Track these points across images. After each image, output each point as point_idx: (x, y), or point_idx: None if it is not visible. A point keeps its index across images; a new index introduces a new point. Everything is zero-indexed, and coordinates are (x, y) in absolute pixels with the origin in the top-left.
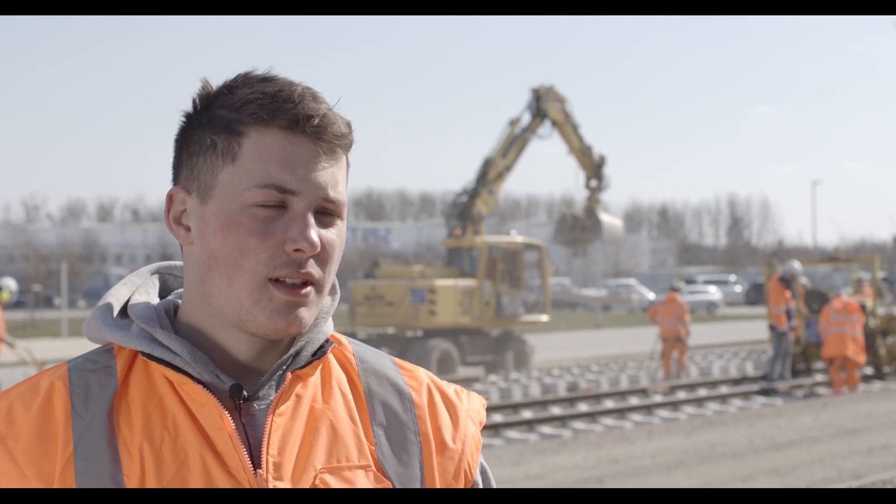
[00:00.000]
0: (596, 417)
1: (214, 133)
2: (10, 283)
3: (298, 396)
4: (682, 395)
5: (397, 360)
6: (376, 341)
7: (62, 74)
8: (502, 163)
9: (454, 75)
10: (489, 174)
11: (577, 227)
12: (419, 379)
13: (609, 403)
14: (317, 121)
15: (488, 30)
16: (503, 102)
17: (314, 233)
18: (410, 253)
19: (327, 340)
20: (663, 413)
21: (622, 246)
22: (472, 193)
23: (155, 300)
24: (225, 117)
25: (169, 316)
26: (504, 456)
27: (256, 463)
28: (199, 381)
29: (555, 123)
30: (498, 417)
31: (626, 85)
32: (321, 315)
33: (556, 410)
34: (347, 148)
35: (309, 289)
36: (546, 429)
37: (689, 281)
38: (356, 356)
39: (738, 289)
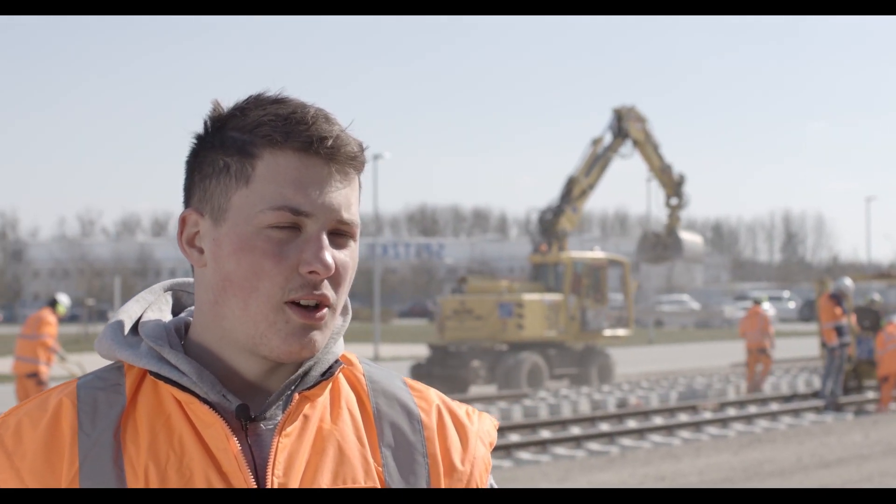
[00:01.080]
0: (644, 434)
1: (227, 155)
2: (64, 299)
3: (306, 417)
4: (731, 412)
5: (409, 380)
6: (466, 354)
7: (119, 90)
8: (585, 181)
9: (509, 90)
10: (573, 192)
11: (659, 244)
12: (429, 400)
13: (658, 420)
14: (330, 142)
15: (543, 46)
16: (558, 118)
17: (329, 255)
18: (463, 268)
19: (337, 361)
20: (712, 430)
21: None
22: (557, 211)
23: (167, 317)
24: (238, 139)
25: (180, 334)
26: (550, 472)
27: (261, 484)
28: (205, 401)
29: (636, 143)
30: (546, 433)
31: (679, 102)
32: (332, 335)
33: (604, 427)
34: (360, 169)
35: (324, 311)
36: (594, 445)
37: (742, 297)
38: (366, 376)
39: (792, 305)
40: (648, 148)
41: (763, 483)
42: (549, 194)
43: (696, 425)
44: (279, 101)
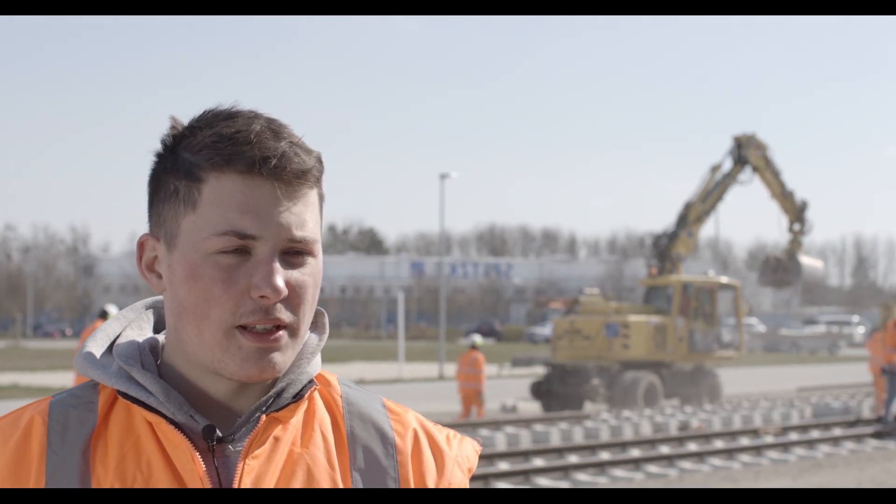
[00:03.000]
0: (704, 458)
1: (177, 179)
2: (114, 309)
3: (276, 439)
4: (793, 436)
5: (389, 403)
6: (584, 373)
7: (192, 103)
8: (702, 207)
9: (583, 112)
10: (689, 217)
11: (780, 269)
12: (406, 424)
13: (719, 444)
14: (274, 161)
15: (619, 71)
16: (633, 141)
17: (279, 278)
18: (532, 289)
19: (310, 381)
20: (773, 454)
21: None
22: (672, 235)
23: (147, 335)
24: (187, 161)
25: (156, 353)
26: None
27: None
28: (172, 422)
29: (756, 169)
30: (605, 455)
31: (748, 124)
32: (305, 355)
33: (664, 450)
34: (314, 183)
35: (280, 333)
36: (653, 468)
37: (811, 322)
38: (344, 398)
39: (861, 330)
40: (768, 174)
41: None
42: (620, 217)
43: (757, 449)
44: (230, 118)
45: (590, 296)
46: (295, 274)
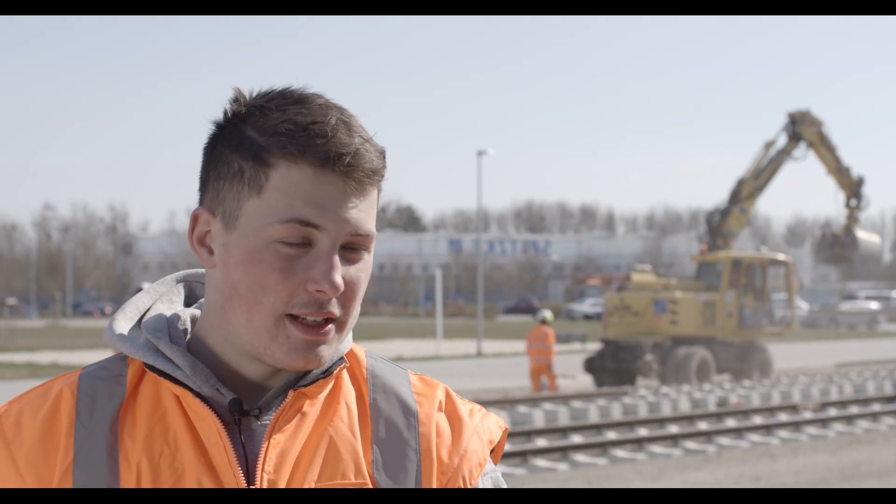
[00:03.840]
0: (742, 433)
1: (242, 159)
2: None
3: (303, 414)
4: (832, 412)
5: (415, 377)
6: (637, 348)
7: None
8: (755, 183)
9: (622, 91)
10: (742, 193)
11: (837, 244)
12: (429, 396)
13: (757, 419)
14: (348, 159)
15: (656, 49)
16: (671, 120)
17: (338, 275)
18: (570, 265)
19: (341, 359)
20: (811, 430)
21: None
22: (725, 212)
23: (178, 308)
24: (255, 143)
25: (185, 327)
26: (645, 471)
27: (251, 480)
28: (198, 395)
29: (811, 145)
30: (643, 431)
31: (789, 100)
32: None
33: (702, 426)
34: (379, 182)
35: (329, 327)
36: (691, 444)
37: (850, 297)
38: (369, 370)
39: None
40: (823, 150)
41: (859, 484)
42: (658, 193)
43: (796, 425)
44: (300, 103)
45: (641, 272)
46: (351, 270)
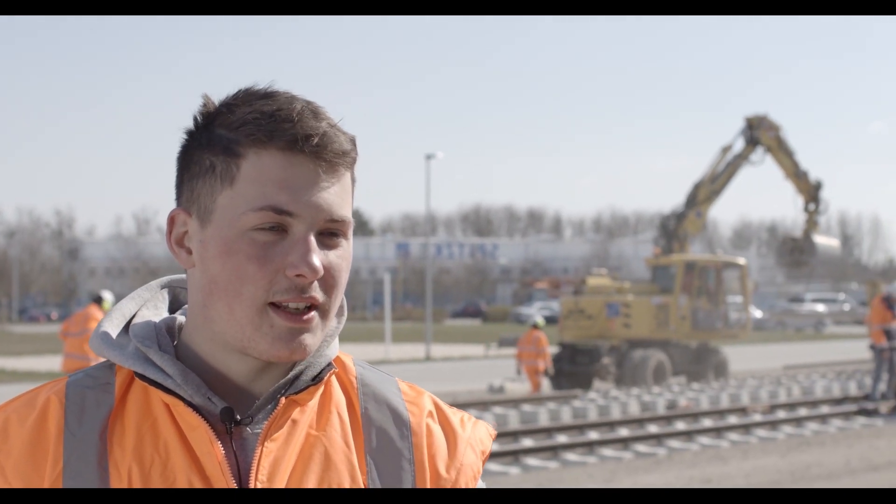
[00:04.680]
0: (692, 436)
1: (213, 154)
2: (109, 295)
3: (294, 422)
4: (781, 414)
5: (404, 383)
6: (592, 352)
7: (176, 86)
8: (711, 187)
9: (568, 92)
10: (698, 197)
11: (796, 249)
12: (420, 405)
13: (707, 422)
14: (316, 140)
15: (602, 48)
16: (617, 120)
17: (316, 257)
18: (518, 269)
19: (329, 364)
20: (761, 432)
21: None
22: (681, 216)
23: (163, 315)
24: (224, 137)
25: (172, 334)
26: (596, 474)
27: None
28: (189, 404)
29: (769, 150)
30: (594, 435)
31: (736, 104)
32: (326, 338)
33: (652, 428)
34: (351, 165)
35: (312, 314)
36: (641, 447)
37: (797, 299)
38: (358, 379)
39: (847, 307)
40: (781, 155)
41: (810, 486)
42: (605, 196)
43: (746, 427)
44: (267, 97)
45: (597, 275)
46: (331, 255)
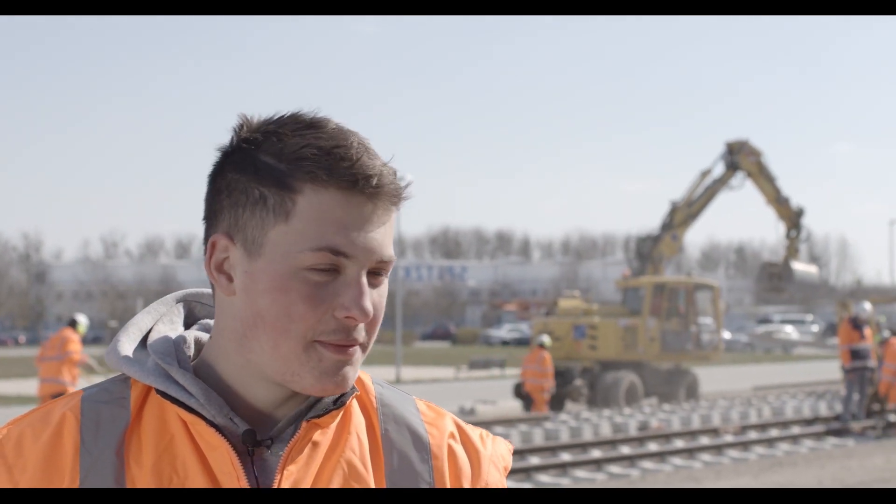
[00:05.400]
0: (665, 457)
1: (264, 186)
2: (83, 319)
3: (315, 444)
4: (753, 435)
5: (423, 403)
6: (565, 374)
7: (143, 112)
8: (688, 210)
9: (534, 114)
10: (674, 220)
11: (775, 276)
12: (440, 427)
13: (679, 443)
14: (375, 181)
15: (568, 70)
16: (583, 140)
17: (368, 301)
18: (486, 291)
19: (351, 388)
20: (733, 453)
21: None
22: (656, 238)
23: (179, 330)
24: (275, 169)
25: (189, 349)
26: None
27: None
28: (211, 424)
29: (749, 175)
30: (566, 456)
31: (697, 126)
32: None
33: (625, 450)
34: (399, 203)
35: (356, 348)
36: (614, 468)
37: (765, 321)
38: (378, 399)
39: (815, 328)
40: (762, 180)
41: None
42: (573, 218)
43: (718, 448)
44: (315, 127)
45: (569, 297)
46: (374, 295)
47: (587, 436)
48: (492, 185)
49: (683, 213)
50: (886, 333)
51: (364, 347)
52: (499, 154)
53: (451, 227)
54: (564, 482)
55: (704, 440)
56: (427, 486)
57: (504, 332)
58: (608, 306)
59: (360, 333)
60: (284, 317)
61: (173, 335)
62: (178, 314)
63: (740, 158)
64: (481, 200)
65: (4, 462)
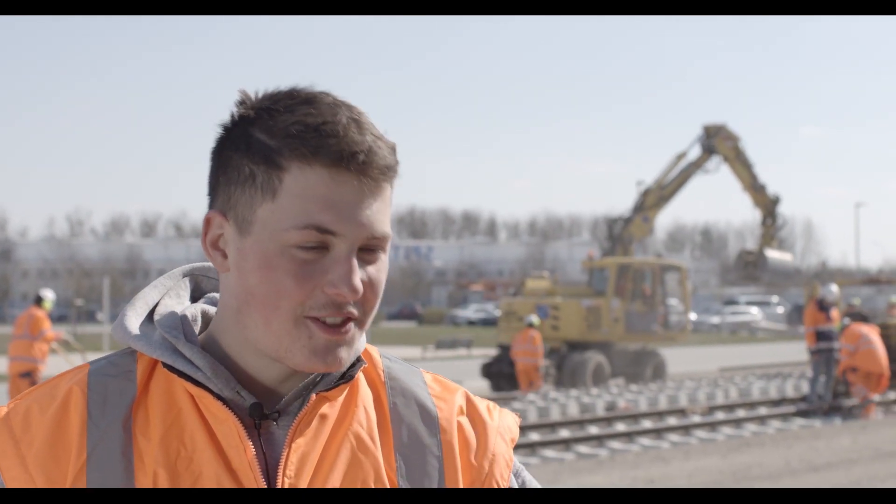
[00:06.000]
0: (633, 437)
1: (254, 163)
2: (50, 294)
3: (323, 416)
4: (720, 415)
5: (430, 376)
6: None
7: (110, 92)
8: (660, 192)
9: (500, 93)
10: (646, 202)
11: (750, 263)
12: (448, 399)
13: (647, 423)
14: (362, 157)
15: (534, 49)
16: (549, 120)
17: (357, 279)
18: (453, 271)
19: (358, 360)
20: (701, 434)
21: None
22: (627, 220)
23: (186, 304)
24: (265, 146)
25: (196, 324)
26: (540, 475)
27: (272, 483)
28: (218, 397)
29: (726, 160)
30: (535, 436)
31: (663, 106)
32: None
33: (593, 430)
34: (393, 179)
35: (349, 325)
36: (583, 448)
37: (731, 302)
38: (386, 373)
39: (781, 310)
40: (739, 166)
41: (751, 486)
42: (540, 199)
43: (685, 429)
44: (309, 103)
45: (538, 277)
46: (369, 270)
47: (555, 416)
48: (458, 165)
49: (655, 196)
50: (846, 321)
51: (360, 323)
52: (465, 134)
53: (417, 207)
54: (533, 461)
55: (672, 420)
56: (436, 459)
57: (470, 312)
58: (574, 287)
59: (353, 308)
60: (273, 294)
61: (180, 309)
62: (185, 288)
63: (717, 142)
64: (447, 180)
65: (12, 437)
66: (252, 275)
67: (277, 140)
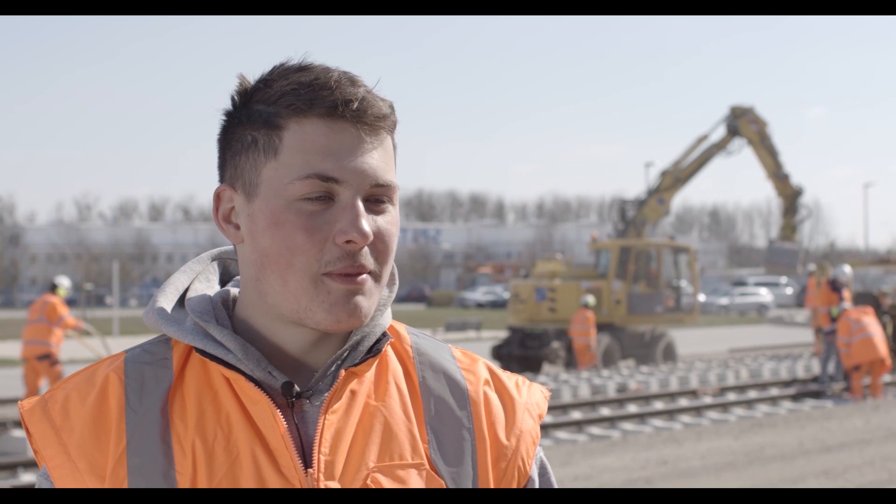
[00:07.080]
0: (645, 419)
1: (254, 129)
2: (65, 281)
3: (353, 392)
4: (731, 396)
5: (458, 350)
6: (542, 336)
7: (117, 76)
8: (677, 174)
9: (508, 77)
10: (662, 183)
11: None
12: (477, 372)
13: (658, 405)
14: (356, 104)
15: (538, 35)
16: (555, 103)
17: (365, 222)
18: (461, 254)
19: (384, 334)
20: (713, 415)
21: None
22: (642, 201)
23: (215, 287)
24: (263, 112)
25: (227, 307)
26: (553, 457)
27: (308, 462)
28: (251, 378)
29: (750, 143)
30: (547, 418)
31: (676, 87)
32: (378, 307)
33: (605, 411)
34: (392, 129)
35: (365, 276)
36: (595, 430)
37: (740, 283)
38: (414, 348)
39: (789, 291)
40: (763, 151)
41: (765, 467)
42: (547, 181)
43: (697, 410)
44: (303, 69)
45: (549, 259)
46: (380, 220)
47: (566, 398)
48: (466, 148)
49: (672, 177)
50: (846, 304)
51: (376, 276)
52: (473, 117)
53: (424, 190)
54: (546, 443)
55: (683, 402)
56: (467, 432)
57: (479, 294)
58: (582, 269)
59: (367, 259)
60: (286, 251)
61: (210, 293)
62: (214, 272)
63: (742, 124)
64: (455, 163)
65: (52, 426)
66: (263, 235)
67: (273, 103)
